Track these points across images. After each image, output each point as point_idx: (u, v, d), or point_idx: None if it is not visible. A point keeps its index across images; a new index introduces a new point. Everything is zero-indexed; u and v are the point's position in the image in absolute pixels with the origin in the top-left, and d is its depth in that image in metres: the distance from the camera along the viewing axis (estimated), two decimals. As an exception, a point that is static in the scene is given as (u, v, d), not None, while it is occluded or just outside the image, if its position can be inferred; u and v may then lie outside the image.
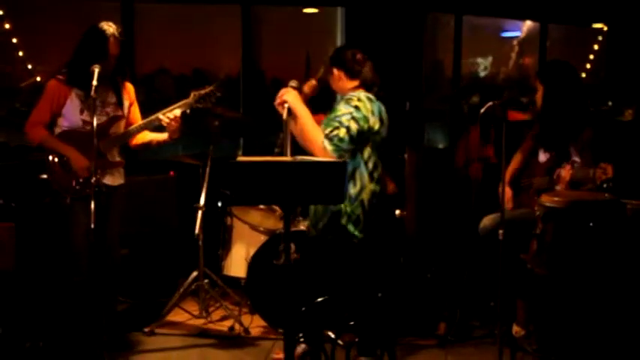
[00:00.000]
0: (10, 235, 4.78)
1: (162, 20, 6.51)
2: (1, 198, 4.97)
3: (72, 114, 4.41)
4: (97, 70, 4.20)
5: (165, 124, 4.48)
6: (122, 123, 4.56)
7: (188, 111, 4.52)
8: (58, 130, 4.45)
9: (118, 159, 4.57)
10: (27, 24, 5.90)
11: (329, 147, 3.94)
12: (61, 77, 4.42)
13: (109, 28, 4.36)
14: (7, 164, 5.35)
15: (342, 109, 4.05)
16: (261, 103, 6.33)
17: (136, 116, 4.68)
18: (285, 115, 4.01)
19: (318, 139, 3.97)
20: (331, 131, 3.97)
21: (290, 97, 4.02)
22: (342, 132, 3.97)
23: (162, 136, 4.63)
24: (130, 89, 4.66)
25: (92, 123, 4.30)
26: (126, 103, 4.58)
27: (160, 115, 4.46)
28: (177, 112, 4.47)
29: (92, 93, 4.11)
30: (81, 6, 5.64)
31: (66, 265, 4.52)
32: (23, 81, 6.10)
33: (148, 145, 4.70)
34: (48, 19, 5.73)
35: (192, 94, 4.53)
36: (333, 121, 4.02)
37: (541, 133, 4.85)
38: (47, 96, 4.42)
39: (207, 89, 4.53)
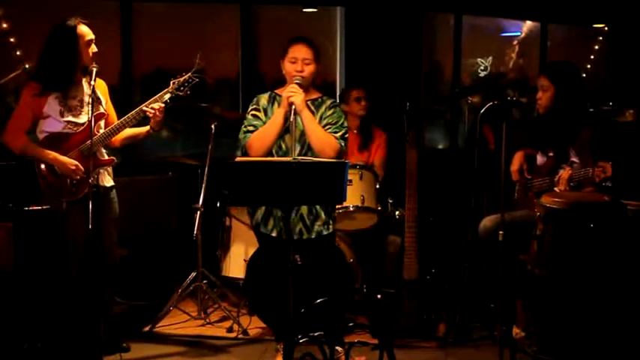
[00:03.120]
0: (8, 235, 4.77)
1: (161, 20, 6.52)
2: (0, 199, 4.94)
3: (52, 118, 4.38)
4: (94, 70, 4.25)
5: (150, 116, 4.47)
6: (103, 121, 4.53)
7: (168, 100, 4.51)
8: (41, 136, 4.42)
9: (107, 157, 4.57)
10: (25, 24, 5.89)
11: (344, 147, 4.24)
12: (35, 85, 4.36)
13: (73, 20, 4.35)
14: (5, 164, 5.32)
15: (340, 114, 4.34)
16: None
17: (112, 112, 4.66)
18: (291, 116, 4.10)
19: (333, 140, 4.20)
20: (343, 134, 4.25)
21: (297, 100, 4.11)
22: (347, 135, 4.30)
23: (144, 128, 4.60)
24: (102, 85, 4.60)
25: (77, 123, 4.38)
26: (102, 100, 4.55)
27: (144, 107, 4.46)
28: (161, 103, 4.47)
29: (91, 93, 4.20)
30: (79, 5, 5.61)
31: (61, 268, 4.50)
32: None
33: (131, 140, 4.67)
34: (46, 19, 5.71)
35: (171, 83, 4.53)
36: (342, 126, 4.28)
37: (540, 135, 4.84)
38: (24, 101, 4.38)
39: (186, 76, 4.53)
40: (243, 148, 4.33)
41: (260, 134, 4.24)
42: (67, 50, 4.31)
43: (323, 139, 4.19)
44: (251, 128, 4.29)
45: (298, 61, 4.22)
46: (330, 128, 4.23)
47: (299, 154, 4.23)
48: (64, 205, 4.40)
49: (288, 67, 4.26)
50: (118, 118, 4.58)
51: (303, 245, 4.24)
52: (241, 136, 4.32)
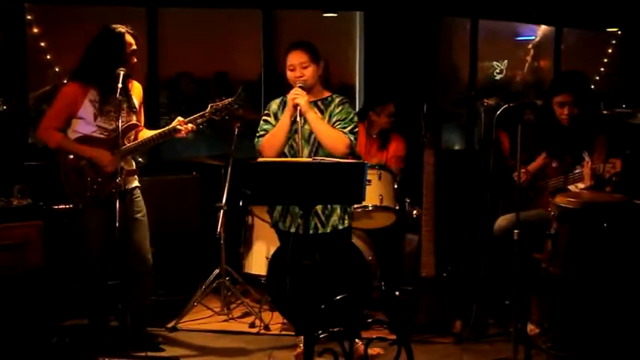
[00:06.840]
0: (39, 233, 4.88)
1: (185, 25, 6.57)
2: (31, 197, 5.06)
3: (85, 120, 4.44)
4: (122, 73, 4.28)
5: (178, 133, 4.53)
6: (133, 131, 4.58)
7: (204, 124, 4.60)
8: (73, 136, 4.45)
9: (133, 167, 4.62)
10: (55, 28, 5.98)
11: (354, 141, 4.31)
12: (75, 83, 4.42)
13: (121, 27, 4.41)
14: (36, 164, 5.45)
15: (349, 110, 4.39)
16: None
17: (141, 117, 4.69)
18: (298, 117, 4.22)
19: (342, 135, 4.27)
20: (352, 129, 4.32)
21: (301, 102, 4.22)
22: (356, 129, 4.36)
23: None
24: (138, 89, 4.64)
25: (108, 128, 4.42)
26: (136, 104, 4.59)
27: (178, 126, 4.49)
28: (195, 125, 4.54)
29: (117, 95, 4.21)
30: (106, 11, 5.74)
31: (86, 265, 4.60)
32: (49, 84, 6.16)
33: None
34: (75, 23, 5.84)
35: (209, 106, 4.59)
36: (351, 121, 4.34)
37: (561, 145, 4.90)
38: (62, 100, 4.44)
39: (225, 102, 4.60)
40: (257, 151, 4.43)
41: (270, 137, 4.36)
42: (113, 54, 4.36)
43: (332, 136, 4.28)
44: (262, 132, 4.41)
45: (296, 67, 4.32)
46: (339, 124, 4.32)
47: (309, 154, 4.33)
48: (80, 206, 4.48)
49: (288, 74, 4.37)
50: (145, 122, 4.69)
51: (319, 240, 4.32)
52: (255, 140, 4.43)
